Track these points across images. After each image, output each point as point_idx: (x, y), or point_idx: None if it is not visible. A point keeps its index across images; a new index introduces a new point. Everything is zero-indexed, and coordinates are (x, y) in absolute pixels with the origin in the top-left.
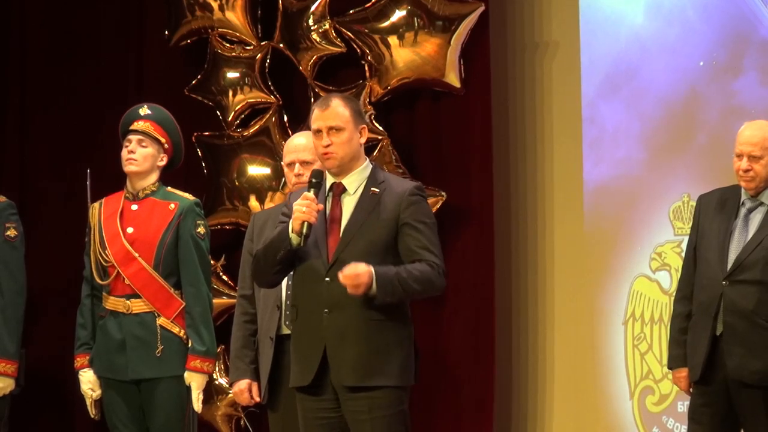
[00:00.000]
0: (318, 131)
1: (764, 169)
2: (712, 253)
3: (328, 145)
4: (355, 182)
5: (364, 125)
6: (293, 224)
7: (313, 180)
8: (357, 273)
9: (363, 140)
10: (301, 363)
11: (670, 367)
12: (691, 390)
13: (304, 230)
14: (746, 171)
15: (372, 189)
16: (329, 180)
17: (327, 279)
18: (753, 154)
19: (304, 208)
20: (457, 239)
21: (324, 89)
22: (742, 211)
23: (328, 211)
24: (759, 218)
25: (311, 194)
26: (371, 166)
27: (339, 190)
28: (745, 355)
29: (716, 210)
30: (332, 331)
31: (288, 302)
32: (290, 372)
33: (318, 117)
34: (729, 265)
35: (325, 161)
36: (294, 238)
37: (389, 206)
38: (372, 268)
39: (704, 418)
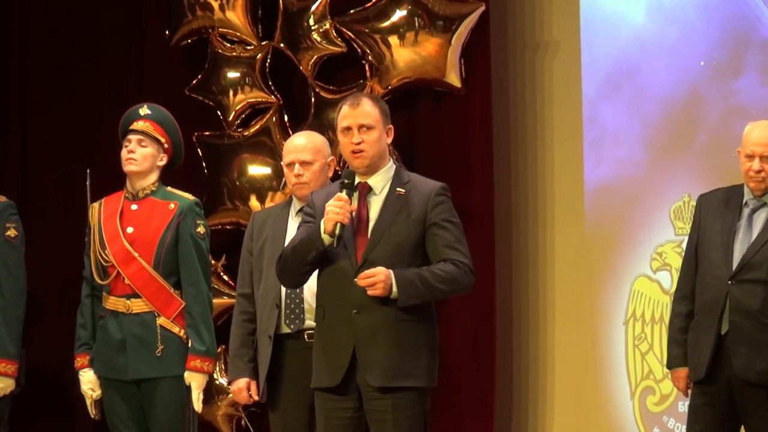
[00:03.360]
0: (348, 129)
1: None
2: (716, 253)
3: (359, 143)
4: (380, 182)
5: (391, 126)
6: (326, 225)
7: (346, 181)
8: (371, 273)
9: (389, 141)
10: (328, 363)
11: (669, 367)
12: (689, 390)
13: (337, 231)
14: (758, 172)
15: (398, 189)
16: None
17: (356, 280)
18: (765, 154)
19: (338, 209)
20: None
21: (325, 89)
22: (746, 211)
23: (354, 212)
24: (763, 218)
25: (344, 195)
26: (395, 166)
27: (365, 190)
28: (751, 355)
29: (718, 209)
30: (361, 332)
31: (287, 300)
32: (314, 371)
33: (348, 115)
34: (734, 265)
35: (355, 159)
36: (326, 239)
37: (416, 206)
38: (391, 271)
39: (706, 418)
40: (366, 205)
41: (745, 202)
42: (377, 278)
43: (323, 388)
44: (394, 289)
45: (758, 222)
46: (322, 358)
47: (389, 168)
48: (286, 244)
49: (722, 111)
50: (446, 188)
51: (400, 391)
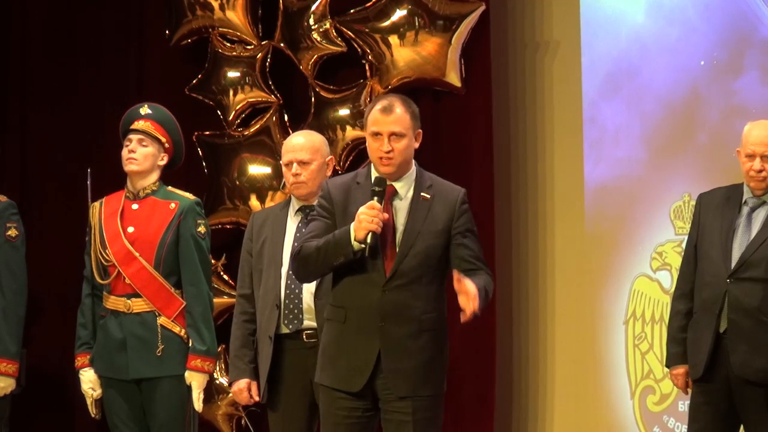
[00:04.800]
0: (378, 134)
1: None
2: (715, 251)
3: (389, 151)
4: (405, 186)
5: (420, 130)
6: (357, 233)
7: (377, 188)
8: (470, 292)
9: (417, 145)
10: (348, 368)
11: (668, 365)
12: (688, 388)
13: (369, 240)
14: (759, 171)
15: (422, 195)
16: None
17: (383, 291)
18: (766, 153)
19: (371, 218)
20: None
21: (325, 89)
22: (745, 209)
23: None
24: (762, 216)
25: (377, 203)
26: (416, 168)
27: (390, 193)
28: (750, 353)
29: (718, 208)
30: (388, 343)
31: (286, 301)
32: (327, 369)
33: (381, 121)
34: (733, 263)
35: (383, 166)
36: (356, 246)
37: (442, 215)
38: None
39: (706, 417)
40: (391, 210)
41: (745, 201)
42: (474, 298)
43: (335, 388)
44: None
45: (757, 220)
46: (340, 362)
47: (412, 171)
48: (285, 244)
49: (722, 111)
50: (466, 194)
51: (420, 397)
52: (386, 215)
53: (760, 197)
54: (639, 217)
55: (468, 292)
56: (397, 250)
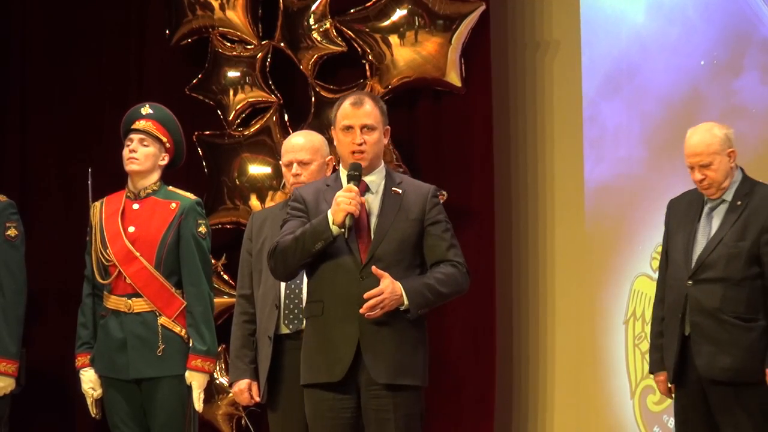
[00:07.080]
0: (349, 128)
1: (717, 173)
2: (678, 254)
3: (361, 143)
4: (376, 181)
5: (388, 126)
6: (335, 216)
7: (354, 173)
8: (375, 293)
9: (386, 141)
10: (329, 359)
11: (650, 372)
12: (672, 393)
13: (348, 222)
14: (701, 181)
15: (393, 189)
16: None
17: (360, 278)
18: (701, 163)
19: (348, 200)
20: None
21: (325, 88)
22: (705, 210)
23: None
24: (720, 216)
25: (354, 186)
26: (385, 166)
27: (362, 188)
28: (714, 353)
29: (683, 212)
30: (367, 329)
31: (286, 301)
32: (308, 367)
33: (351, 114)
34: (692, 265)
35: (356, 159)
36: (335, 230)
37: (415, 206)
38: (398, 283)
39: (687, 418)
40: (364, 204)
41: (705, 201)
42: (384, 297)
43: (318, 385)
44: (405, 301)
45: (716, 220)
46: (320, 354)
47: (382, 168)
48: None
49: (722, 110)
50: (438, 190)
51: (400, 389)
52: (363, 199)
53: (719, 197)
54: (639, 217)
55: (373, 292)
56: (372, 236)
